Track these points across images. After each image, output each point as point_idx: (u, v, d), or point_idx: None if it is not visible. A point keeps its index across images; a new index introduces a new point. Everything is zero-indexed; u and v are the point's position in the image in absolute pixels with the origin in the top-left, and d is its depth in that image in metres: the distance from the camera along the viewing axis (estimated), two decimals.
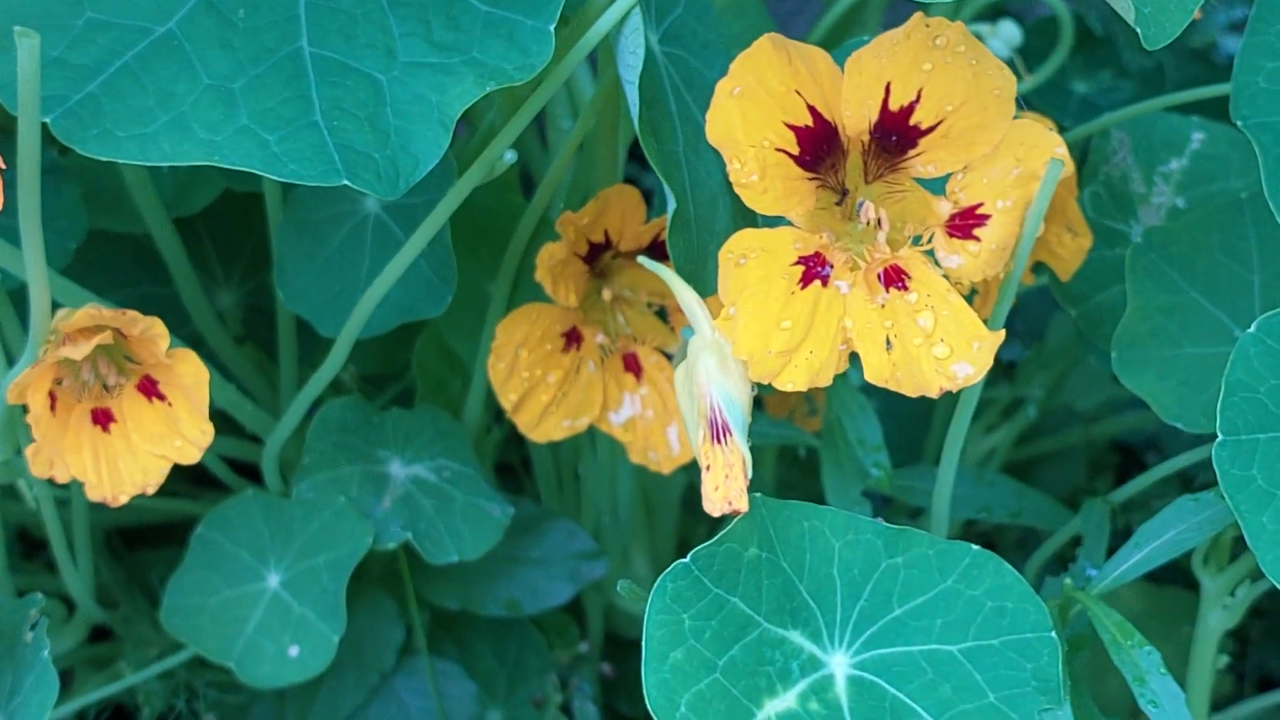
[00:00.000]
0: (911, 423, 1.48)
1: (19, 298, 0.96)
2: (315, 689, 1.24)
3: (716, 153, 0.99)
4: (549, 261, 1.04)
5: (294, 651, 1.11)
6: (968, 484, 1.22)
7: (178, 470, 1.31)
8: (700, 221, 0.94)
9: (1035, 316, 1.63)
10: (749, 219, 0.97)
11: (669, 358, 1.11)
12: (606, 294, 1.12)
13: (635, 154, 1.13)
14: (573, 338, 1.10)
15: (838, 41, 1.43)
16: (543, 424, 1.09)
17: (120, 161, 0.79)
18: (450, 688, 1.29)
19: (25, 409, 0.90)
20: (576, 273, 1.08)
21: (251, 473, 1.24)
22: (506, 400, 1.08)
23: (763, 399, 1.34)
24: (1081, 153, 1.09)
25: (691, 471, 1.43)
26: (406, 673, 1.28)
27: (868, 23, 1.45)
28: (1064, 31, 1.23)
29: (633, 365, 1.11)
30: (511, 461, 1.48)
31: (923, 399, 1.59)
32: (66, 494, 1.08)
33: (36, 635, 0.95)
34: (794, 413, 1.33)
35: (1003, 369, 1.65)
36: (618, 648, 1.49)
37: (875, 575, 0.85)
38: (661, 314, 1.14)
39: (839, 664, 0.84)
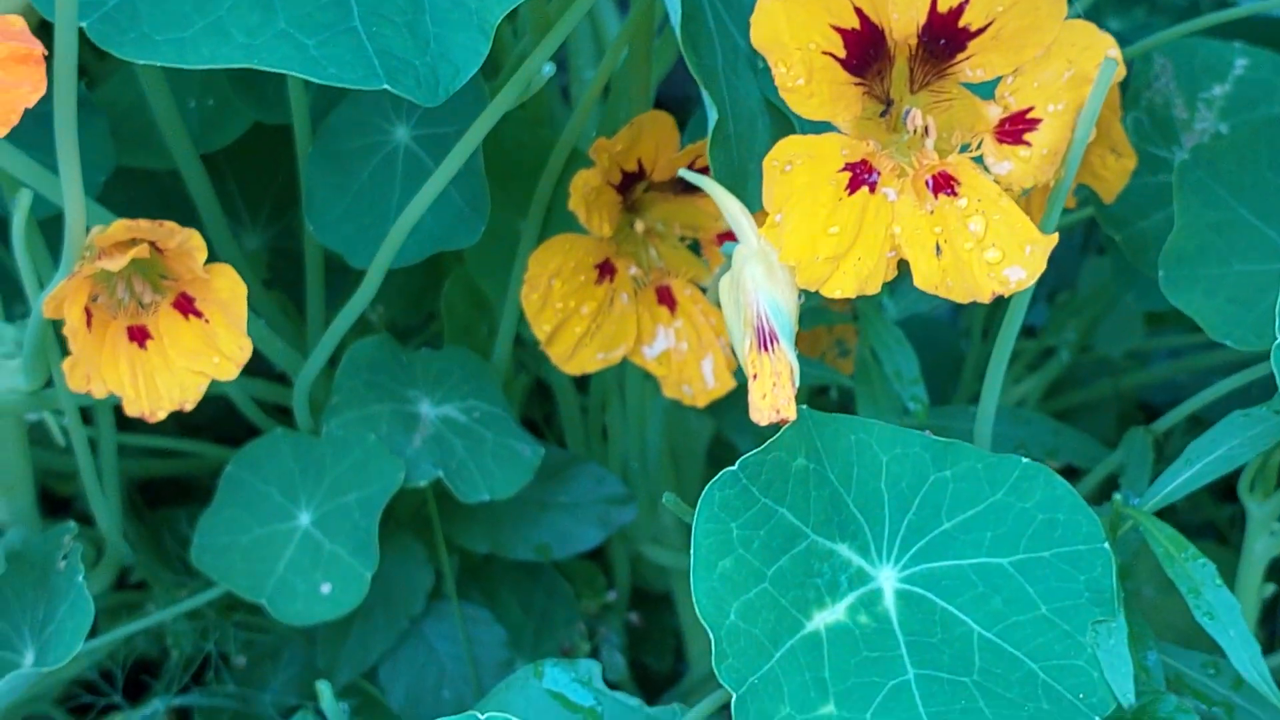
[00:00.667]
0: (940, 371, 1.47)
1: (48, 229, 0.95)
2: (345, 632, 1.22)
3: (753, 74, 0.98)
4: (583, 188, 1.03)
5: (326, 589, 1.10)
6: (1004, 421, 1.20)
7: (201, 426, 1.31)
8: (740, 139, 0.93)
9: (1064, 269, 1.62)
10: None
11: (703, 291, 1.10)
12: (639, 226, 1.10)
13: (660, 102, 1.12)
14: (606, 269, 1.08)
15: None
16: (576, 356, 1.08)
17: (158, 64, 0.78)
18: (480, 633, 1.28)
19: (59, 334, 0.89)
20: (610, 203, 1.06)
21: (278, 418, 1.23)
22: (540, 331, 1.06)
23: None
24: (1123, 80, 1.07)
25: (720, 421, 1.42)
26: (435, 618, 1.27)
27: None
28: None
29: (666, 298, 1.10)
30: (534, 417, 1.46)
31: (948, 351, 1.58)
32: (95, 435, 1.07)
33: (70, 562, 0.93)
34: (825, 355, 1.32)
35: (1025, 329, 1.64)
36: (644, 600, 1.48)
37: (923, 489, 0.84)
38: (694, 248, 1.13)
39: (887, 578, 0.83)
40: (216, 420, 1.39)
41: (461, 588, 1.30)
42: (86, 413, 1.08)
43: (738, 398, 1.12)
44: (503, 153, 1.13)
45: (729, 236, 1.10)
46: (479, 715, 0.73)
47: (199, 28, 0.80)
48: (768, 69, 0.94)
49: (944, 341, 1.49)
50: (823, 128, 0.85)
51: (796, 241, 0.79)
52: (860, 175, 0.82)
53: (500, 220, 1.16)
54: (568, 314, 1.07)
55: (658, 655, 1.49)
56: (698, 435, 1.44)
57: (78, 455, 1.01)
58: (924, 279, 0.80)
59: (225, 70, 1.11)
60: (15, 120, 0.64)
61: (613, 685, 0.94)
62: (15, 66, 0.64)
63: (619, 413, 1.31)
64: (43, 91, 0.65)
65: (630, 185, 1.07)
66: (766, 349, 0.80)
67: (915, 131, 0.84)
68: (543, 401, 1.47)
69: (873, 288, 0.80)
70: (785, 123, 0.98)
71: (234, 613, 1.19)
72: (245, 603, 1.21)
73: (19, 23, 0.66)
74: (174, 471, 1.39)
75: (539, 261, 1.06)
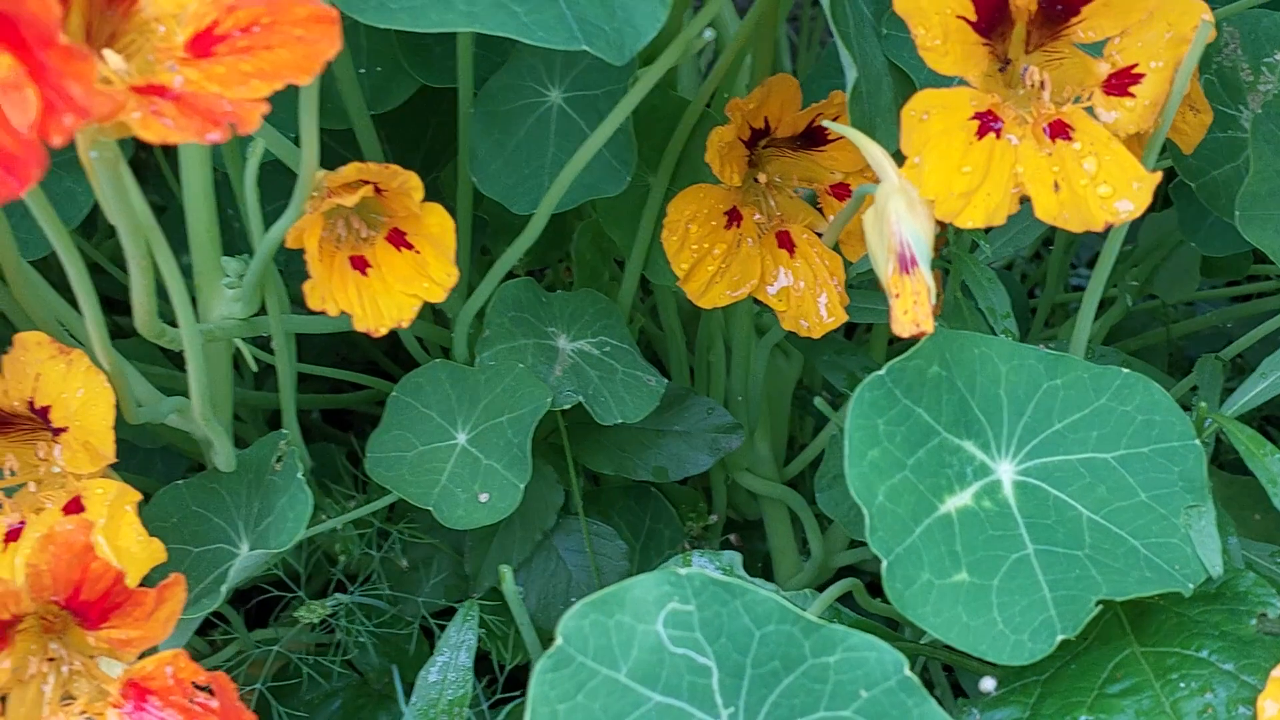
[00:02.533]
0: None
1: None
2: (487, 544, 1.37)
3: (878, 39, 1.12)
4: (718, 143, 1.17)
5: (484, 497, 1.23)
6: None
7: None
8: (870, 95, 1.06)
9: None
10: (906, 97, 1.10)
11: (819, 235, 1.23)
12: (761, 178, 1.24)
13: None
14: (734, 216, 1.22)
15: None
16: (709, 292, 1.21)
17: (396, 29, 0.92)
18: (603, 546, 1.41)
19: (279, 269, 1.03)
20: (739, 156, 1.20)
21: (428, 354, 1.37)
22: (678, 269, 1.20)
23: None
24: None
25: (814, 361, 1.55)
26: (564, 532, 1.40)
27: None
28: None
29: (786, 241, 1.23)
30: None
31: (1018, 299, 1.70)
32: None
33: (287, 463, 1.07)
34: None
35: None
36: (735, 526, 1.62)
37: (1037, 395, 0.98)
38: (808, 198, 1.26)
39: (1006, 470, 0.97)
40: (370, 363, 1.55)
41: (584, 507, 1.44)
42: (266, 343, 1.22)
43: (829, 339, 1.27)
44: (635, 113, 1.27)
45: (841, 188, 1.24)
46: (679, 570, 0.86)
47: None
48: (890, 34, 1.08)
49: (1014, 290, 1.62)
50: (943, 84, 0.98)
51: (935, 179, 0.93)
52: (987, 122, 0.95)
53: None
54: (702, 255, 1.21)
55: (750, 574, 1.62)
56: (786, 377, 1.58)
57: (280, 374, 1.15)
58: (1044, 211, 0.94)
59: (399, 39, 1.26)
60: (318, 70, 0.78)
61: None
62: (314, 25, 0.78)
63: (721, 353, 1.45)
64: (339, 48, 0.78)
65: (756, 141, 1.21)
66: (907, 271, 0.94)
67: (1032, 85, 0.97)
68: (647, 346, 1.61)
69: (999, 219, 0.94)
70: (905, 80, 1.11)
71: (397, 523, 1.33)
72: (404, 514, 1.36)
73: None
74: (336, 405, 1.54)
75: (677, 208, 1.20)
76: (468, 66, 1.20)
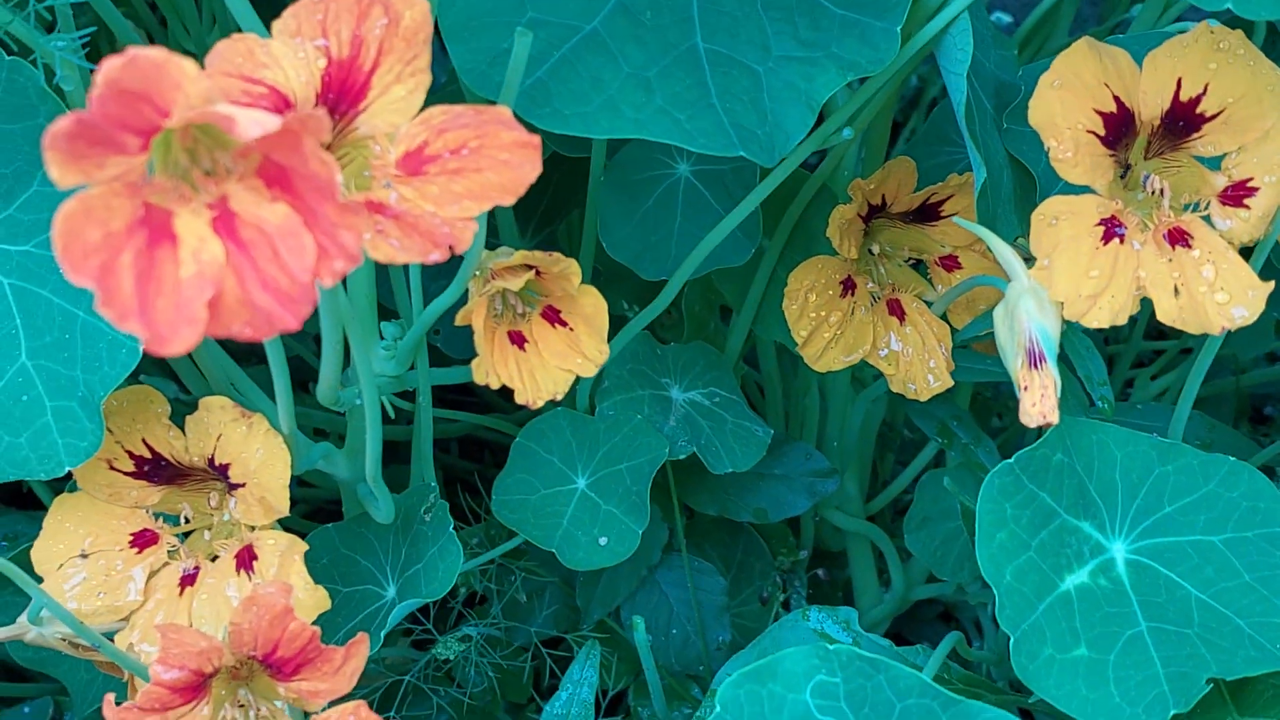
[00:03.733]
0: None
1: None
2: (597, 579, 1.45)
3: (999, 133, 1.19)
4: (839, 220, 1.24)
5: (603, 541, 1.31)
6: (1162, 418, 1.42)
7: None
8: (993, 190, 1.14)
9: None
10: (1025, 188, 1.17)
11: (928, 304, 1.31)
12: (875, 249, 1.32)
13: None
14: (848, 285, 1.30)
15: (1037, 42, 1.64)
16: (824, 357, 1.29)
17: (568, 134, 0.99)
18: (703, 583, 1.50)
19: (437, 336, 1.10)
20: (856, 230, 1.28)
21: None
22: (798, 335, 1.28)
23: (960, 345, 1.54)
24: None
25: (888, 409, 1.63)
26: (666, 568, 1.49)
27: (1059, 25, 1.64)
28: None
29: (897, 310, 1.31)
30: None
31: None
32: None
33: (437, 514, 1.15)
34: None
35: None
36: (821, 557, 1.70)
37: (1149, 480, 1.06)
38: (916, 267, 1.34)
39: (1119, 550, 1.05)
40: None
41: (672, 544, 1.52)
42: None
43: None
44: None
45: (950, 259, 1.31)
46: (828, 645, 0.94)
47: (596, 104, 1.01)
48: (1010, 128, 1.16)
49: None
50: (1069, 189, 1.06)
51: (1064, 283, 1.01)
52: (1112, 228, 1.03)
53: None
54: (819, 322, 1.28)
55: (827, 605, 1.71)
56: (872, 419, 1.66)
57: (419, 424, 1.23)
58: (1165, 314, 1.01)
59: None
60: (521, 192, 0.85)
61: None
62: (519, 150, 0.85)
63: (816, 400, 1.53)
64: (539, 171, 0.86)
65: (872, 215, 1.28)
66: (1036, 367, 1.01)
67: (1153, 193, 1.05)
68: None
69: (1121, 320, 1.02)
70: (1024, 171, 1.19)
71: (519, 559, 1.41)
72: (520, 550, 1.44)
73: (508, 112, 0.86)
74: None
75: (797, 278, 1.28)
76: (602, 142, 1.28)
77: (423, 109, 0.87)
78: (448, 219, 0.84)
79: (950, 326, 1.31)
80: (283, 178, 0.72)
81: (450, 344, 1.49)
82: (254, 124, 0.67)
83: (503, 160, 0.85)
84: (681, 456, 1.35)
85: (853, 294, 1.30)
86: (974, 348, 1.44)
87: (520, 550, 1.43)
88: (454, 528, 1.16)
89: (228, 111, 0.67)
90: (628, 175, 1.31)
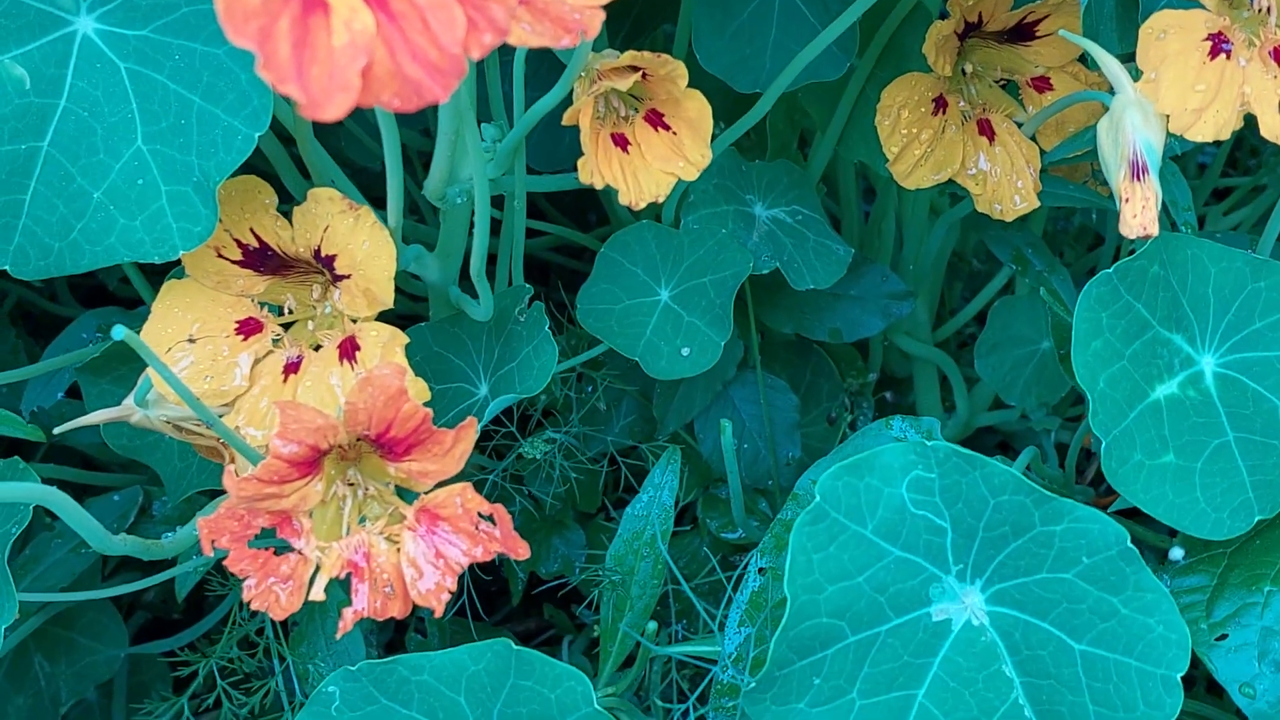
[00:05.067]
0: None
1: None
2: (674, 390, 1.48)
3: None
4: (936, 36, 1.24)
5: (686, 351, 1.33)
6: (1240, 243, 1.43)
7: None
8: (1096, 4, 1.14)
9: None
10: (1126, 4, 1.17)
11: (1018, 125, 1.32)
12: (967, 68, 1.32)
13: None
14: (940, 103, 1.30)
15: None
16: (914, 174, 1.30)
17: None
18: (775, 399, 1.52)
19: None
20: (951, 48, 1.28)
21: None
22: (889, 151, 1.29)
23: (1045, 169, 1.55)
24: None
25: (959, 238, 1.64)
26: (739, 384, 1.51)
27: None
28: None
29: (987, 129, 1.32)
30: None
31: None
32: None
33: (533, 314, 1.18)
34: (1086, 181, 1.53)
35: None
36: (886, 382, 1.73)
37: (1242, 295, 1.07)
38: (1006, 87, 1.34)
39: (1208, 363, 1.07)
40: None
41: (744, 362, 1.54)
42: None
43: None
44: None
45: (1042, 80, 1.32)
46: (925, 441, 0.96)
47: None
48: None
49: None
50: (1156, 3, 1.06)
51: (1171, 96, 1.02)
52: (1219, 44, 1.03)
53: None
54: (910, 139, 1.29)
55: None
56: (945, 245, 1.67)
57: (515, 230, 1.25)
58: (1269, 130, 1.02)
59: None
60: (595, 32, 0.86)
61: None
62: None
63: (892, 223, 1.54)
64: None
65: (967, 33, 1.29)
66: (1139, 179, 1.02)
67: (1260, 10, 1.05)
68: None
69: (1225, 135, 1.03)
70: None
71: (597, 369, 1.44)
72: (599, 360, 1.47)
73: None
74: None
75: (890, 94, 1.28)
76: None
77: None
78: (576, 5, 0.85)
79: (1039, 148, 1.31)
80: None
81: (535, 157, 1.51)
82: None
83: None
84: (764, 271, 1.37)
85: (944, 112, 1.31)
86: (1057, 172, 1.46)
87: (599, 360, 1.46)
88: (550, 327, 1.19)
89: None
90: None
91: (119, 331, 0.95)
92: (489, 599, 1.60)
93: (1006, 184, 1.31)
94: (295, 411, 0.97)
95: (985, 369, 1.54)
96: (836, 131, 1.40)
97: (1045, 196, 1.31)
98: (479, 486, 1.42)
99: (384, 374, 0.96)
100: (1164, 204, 1.33)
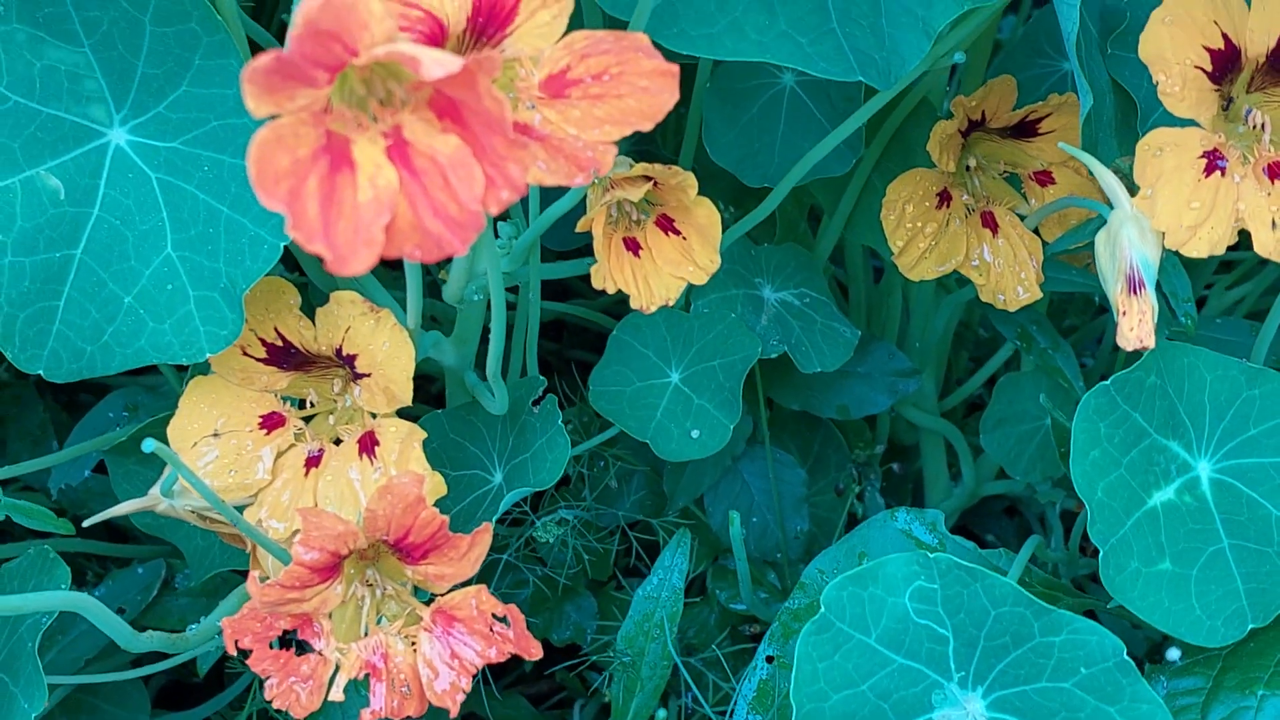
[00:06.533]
0: None
1: None
2: (684, 467, 1.51)
3: (1103, 58, 1.22)
4: (940, 135, 1.28)
5: (695, 434, 1.37)
6: (1238, 331, 1.46)
7: None
8: (1096, 116, 1.17)
9: None
10: (1125, 111, 1.21)
11: (1021, 218, 1.35)
12: (971, 162, 1.35)
13: None
14: (944, 197, 1.33)
15: None
16: (919, 266, 1.33)
17: (696, 55, 1.03)
18: (784, 474, 1.56)
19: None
20: (955, 145, 1.31)
21: None
22: (894, 245, 1.32)
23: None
24: None
25: (963, 312, 1.67)
26: (749, 459, 1.55)
27: None
28: None
29: (990, 222, 1.35)
30: None
31: None
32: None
33: (546, 406, 1.21)
34: (1088, 266, 1.56)
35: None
36: (897, 452, 1.76)
37: (1236, 403, 1.10)
38: (1010, 180, 1.37)
39: (1204, 469, 1.10)
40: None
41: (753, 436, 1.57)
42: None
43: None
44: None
45: (1044, 174, 1.35)
46: (928, 553, 1.00)
47: (722, 26, 1.05)
48: (1114, 54, 1.19)
49: None
50: (1153, 106, 1.09)
51: (1167, 213, 1.05)
52: (1214, 161, 1.06)
53: None
54: (915, 232, 1.32)
55: (898, 497, 1.77)
56: (950, 320, 1.70)
57: (528, 318, 1.28)
58: (1261, 247, 1.05)
59: None
60: (659, 119, 0.89)
61: None
62: (658, 77, 0.89)
63: (899, 301, 1.57)
64: (677, 98, 0.90)
65: (970, 130, 1.32)
66: (1135, 293, 1.05)
67: (1254, 127, 1.08)
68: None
69: (1219, 250, 1.06)
70: (1125, 95, 1.22)
71: (609, 447, 1.47)
72: (611, 438, 1.50)
73: (647, 40, 0.90)
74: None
75: (895, 190, 1.31)
76: None
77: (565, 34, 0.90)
78: (589, 142, 0.88)
79: (1041, 240, 1.34)
80: (454, 110, 0.77)
81: (549, 236, 1.54)
82: (437, 65, 0.71)
83: (642, 87, 0.89)
84: (773, 355, 1.40)
85: (948, 206, 1.34)
86: (1060, 258, 1.48)
87: (611, 439, 1.49)
88: (562, 421, 1.22)
89: (412, 52, 0.72)
90: (733, 83, 1.34)
91: (149, 445, 0.99)
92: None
93: (1010, 275, 1.34)
94: (317, 519, 1.00)
95: (991, 444, 1.56)
96: (843, 218, 1.43)
97: (1048, 282, 1.34)
98: (494, 564, 1.46)
99: (403, 482, 1.00)
100: (1164, 294, 1.36)
